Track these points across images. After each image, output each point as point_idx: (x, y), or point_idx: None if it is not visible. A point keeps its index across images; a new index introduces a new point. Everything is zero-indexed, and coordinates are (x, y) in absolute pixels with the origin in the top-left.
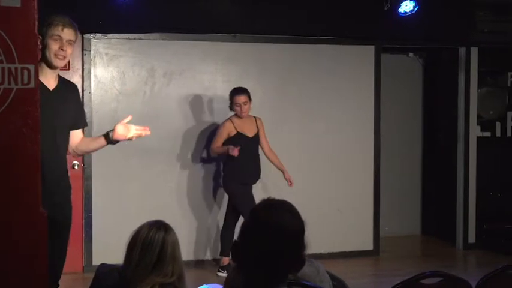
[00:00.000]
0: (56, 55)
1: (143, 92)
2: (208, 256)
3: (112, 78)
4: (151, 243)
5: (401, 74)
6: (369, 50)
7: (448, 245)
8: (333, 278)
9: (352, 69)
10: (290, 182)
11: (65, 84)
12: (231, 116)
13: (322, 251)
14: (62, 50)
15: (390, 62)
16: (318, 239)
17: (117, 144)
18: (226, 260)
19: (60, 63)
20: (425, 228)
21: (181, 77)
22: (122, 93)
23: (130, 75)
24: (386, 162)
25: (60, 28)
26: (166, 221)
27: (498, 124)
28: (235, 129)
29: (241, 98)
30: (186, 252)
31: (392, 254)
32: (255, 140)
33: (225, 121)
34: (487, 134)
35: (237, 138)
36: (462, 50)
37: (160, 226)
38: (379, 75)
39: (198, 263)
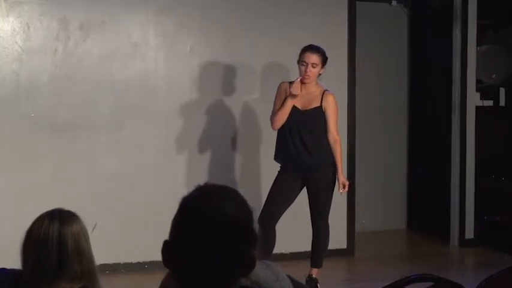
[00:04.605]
0: None
1: (54, 50)
2: None
3: (13, 31)
4: (45, 240)
5: (382, 27)
6: None
7: (440, 241)
8: (296, 285)
9: (321, 21)
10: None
11: None
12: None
13: (283, 251)
14: None
15: (368, 11)
16: (278, 237)
17: (22, 118)
18: None
19: None
20: (412, 222)
21: (102, 30)
22: (26, 50)
23: (37, 27)
24: (363, 140)
25: None
26: (83, 211)
27: (502, 90)
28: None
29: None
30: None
31: (371, 253)
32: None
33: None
34: (489, 103)
35: None
36: None
37: (53, 216)
38: (354, 29)
39: None
